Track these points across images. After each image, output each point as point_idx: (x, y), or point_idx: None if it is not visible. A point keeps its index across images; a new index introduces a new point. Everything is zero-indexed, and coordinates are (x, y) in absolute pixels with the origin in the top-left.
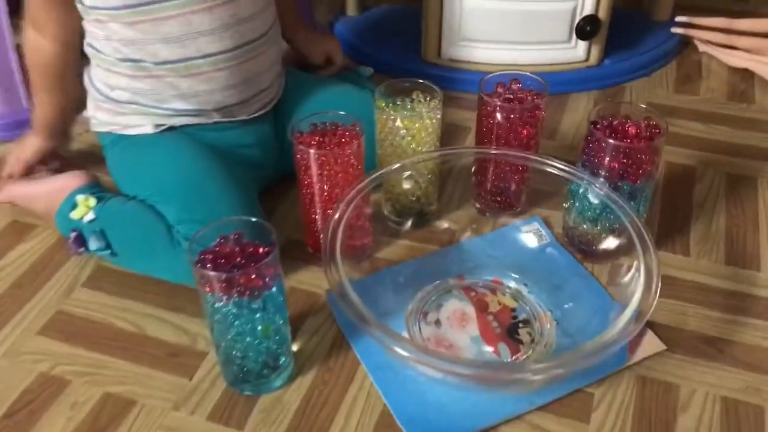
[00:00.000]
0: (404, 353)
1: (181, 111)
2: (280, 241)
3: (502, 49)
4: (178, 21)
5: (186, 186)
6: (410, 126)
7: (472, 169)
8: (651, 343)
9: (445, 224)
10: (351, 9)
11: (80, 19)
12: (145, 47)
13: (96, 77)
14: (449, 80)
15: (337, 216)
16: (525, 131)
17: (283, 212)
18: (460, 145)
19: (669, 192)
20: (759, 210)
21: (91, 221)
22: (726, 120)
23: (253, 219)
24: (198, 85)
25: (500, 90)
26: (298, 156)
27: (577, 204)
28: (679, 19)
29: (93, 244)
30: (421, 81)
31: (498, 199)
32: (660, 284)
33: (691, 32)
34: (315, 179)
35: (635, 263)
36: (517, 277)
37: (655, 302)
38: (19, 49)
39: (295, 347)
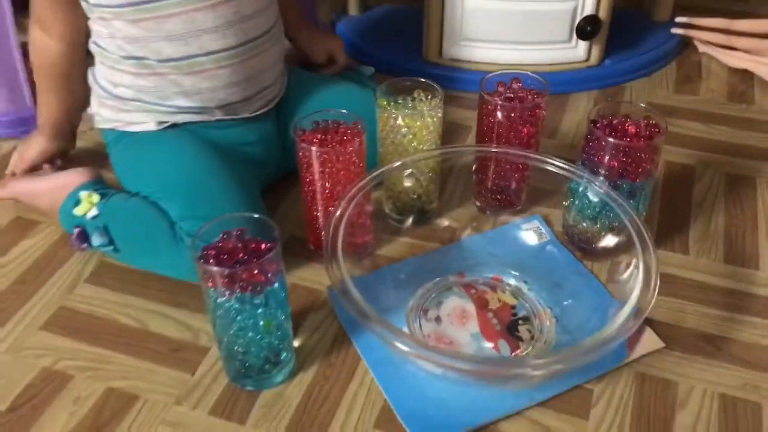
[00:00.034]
0: (405, 348)
1: (184, 108)
2: (282, 238)
3: (503, 48)
4: (181, 18)
5: (188, 183)
6: (411, 124)
7: (473, 168)
8: (650, 341)
9: (445, 222)
10: (353, 8)
11: (86, 18)
12: (149, 45)
13: (100, 74)
14: (450, 80)
15: (338, 213)
16: (525, 130)
17: (285, 210)
18: (461, 143)
19: (669, 191)
20: (758, 209)
21: (94, 217)
22: (725, 120)
23: (256, 215)
24: (201, 82)
25: (501, 89)
26: (300, 153)
27: (576, 202)
28: (679, 19)
29: (96, 240)
30: (422, 80)
31: (498, 197)
32: (659, 282)
33: (691, 33)
34: (317, 177)
35: (634, 261)
36: (517, 274)
37: (653, 299)
38: (23, 47)
39: (296, 343)
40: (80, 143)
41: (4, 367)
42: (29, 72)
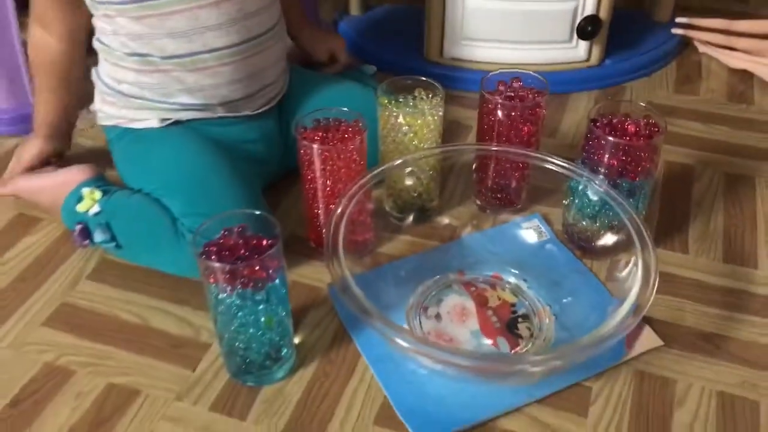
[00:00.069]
0: (406, 344)
1: (186, 105)
2: (284, 236)
3: (503, 48)
4: (184, 16)
5: (190, 180)
6: (412, 123)
7: (473, 166)
8: (649, 339)
9: (446, 220)
10: (354, 8)
11: (87, 16)
12: (152, 42)
13: (103, 71)
14: (451, 79)
15: (339, 211)
16: (526, 129)
17: (287, 207)
18: (462, 142)
19: (668, 191)
20: (757, 209)
21: (96, 214)
22: (725, 120)
23: (257, 212)
24: (204, 79)
25: (501, 88)
26: (302, 151)
27: (576, 201)
28: (679, 20)
29: (98, 236)
30: (423, 78)
31: (498, 195)
32: (658, 279)
33: (691, 33)
34: (318, 174)
35: (633, 259)
36: (517, 272)
37: (652, 297)
38: (25, 45)
39: (297, 340)
40: (82, 141)
41: (6, 362)
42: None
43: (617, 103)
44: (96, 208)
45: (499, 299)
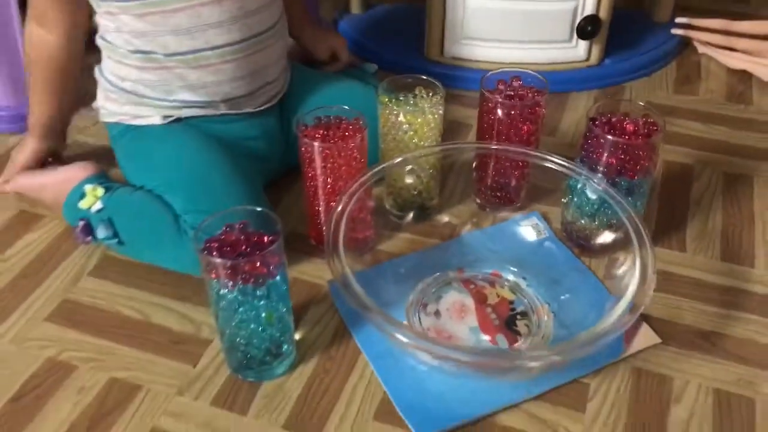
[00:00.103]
0: (406, 339)
1: (189, 102)
2: (285, 233)
3: (504, 48)
4: (187, 13)
5: (192, 177)
6: (413, 121)
7: (473, 165)
8: (646, 336)
9: (445, 218)
10: (355, 7)
11: (86, 14)
12: (156, 39)
13: (106, 69)
14: (452, 78)
15: (339, 208)
16: (525, 127)
17: (288, 205)
18: (462, 140)
19: (667, 190)
20: (754, 208)
21: (98, 211)
22: (724, 120)
23: (259, 209)
24: (206, 76)
25: (501, 87)
26: (303, 149)
27: (575, 199)
28: (678, 20)
29: (101, 233)
30: (423, 77)
31: (498, 194)
32: (655, 277)
33: (691, 33)
34: (319, 172)
35: (631, 257)
36: (516, 270)
37: (649, 294)
38: None
39: (297, 336)
40: (84, 139)
41: (8, 357)
42: None
43: (616, 102)
44: (98, 205)
45: (498, 296)
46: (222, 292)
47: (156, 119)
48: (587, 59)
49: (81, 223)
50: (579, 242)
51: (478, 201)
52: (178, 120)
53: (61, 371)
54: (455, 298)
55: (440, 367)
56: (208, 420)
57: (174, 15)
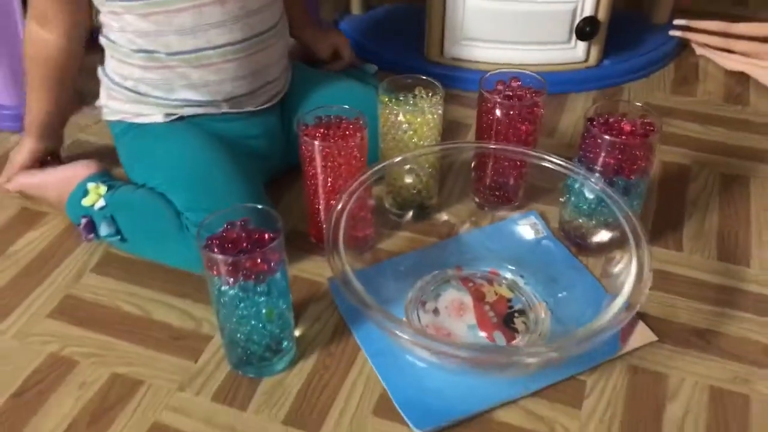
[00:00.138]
0: (405, 336)
1: (191, 101)
2: (285, 231)
3: (503, 48)
4: (190, 13)
5: (194, 175)
6: (412, 120)
7: (472, 164)
8: (643, 334)
9: (444, 217)
10: (356, 8)
11: (87, 14)
12: (159, 38)
13: (110, 68)
14: (451, 78)
15: (339, 207)
16: (524, 127)
17: (289, 203)
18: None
19: (664, 190)
20: (751, 209)
21: (101, 208)
22: (722, 121)
23: (260, 206)
24: (208, 75)
25: (500, 87)
26: (303, 147)
27: (573, 198)
28: (677, 22)
29: (103, 230)
30: (423, 77)
31: (497, 193)
32: (651, 275)
33: (689, 35)
34: (319, 170)
35: (628, 256)
36: (514, 268)
37: (646, 292)
38: None
39: (297, 332)
40: (87, 137)
41: (11, 353)
42: None
43: (614, 103)
44: (101, 203)
45: (496, 294)
46: (223, 288)
47: (158, 117)
48: (586, 60)
49: (84, 221)
50: (576, 241)
51: (477, 200)
52: (180, 118)
53: (63, 367)
54: (454, 295)
55: (438, 363)
56: (208, 415)
57: (178, 15)
